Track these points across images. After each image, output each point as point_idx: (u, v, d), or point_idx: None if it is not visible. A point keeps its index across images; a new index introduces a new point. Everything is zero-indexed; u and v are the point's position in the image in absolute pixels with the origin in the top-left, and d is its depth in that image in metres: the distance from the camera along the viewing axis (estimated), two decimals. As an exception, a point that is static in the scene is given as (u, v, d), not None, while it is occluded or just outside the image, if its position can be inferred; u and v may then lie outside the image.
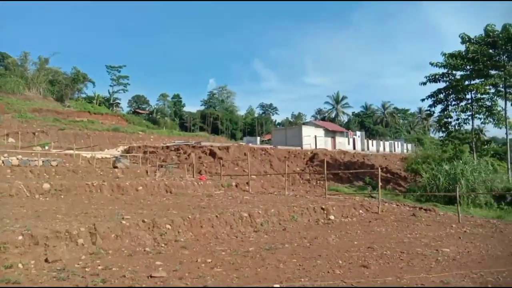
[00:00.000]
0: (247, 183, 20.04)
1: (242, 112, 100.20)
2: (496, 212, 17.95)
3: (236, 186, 19.75)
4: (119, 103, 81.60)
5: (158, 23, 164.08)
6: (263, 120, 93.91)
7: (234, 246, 8.73)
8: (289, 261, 7.37)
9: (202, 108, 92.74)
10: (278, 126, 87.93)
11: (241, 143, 42.01)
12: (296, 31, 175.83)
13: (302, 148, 36.30)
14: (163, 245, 8.53)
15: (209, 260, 7.27)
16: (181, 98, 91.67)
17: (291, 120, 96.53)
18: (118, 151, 32.75)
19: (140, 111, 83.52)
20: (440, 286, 5.99)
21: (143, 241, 8.54)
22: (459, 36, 25.13)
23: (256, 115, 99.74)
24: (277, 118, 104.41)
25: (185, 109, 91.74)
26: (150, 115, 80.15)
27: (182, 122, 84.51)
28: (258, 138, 58.18)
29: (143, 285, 5.70)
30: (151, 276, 6.10)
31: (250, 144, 36.56)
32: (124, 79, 77.82)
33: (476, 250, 8.82)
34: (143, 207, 11.88)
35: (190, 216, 10.02)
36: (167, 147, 32.54)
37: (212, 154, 27.93)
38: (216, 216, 10.52)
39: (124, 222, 8.80)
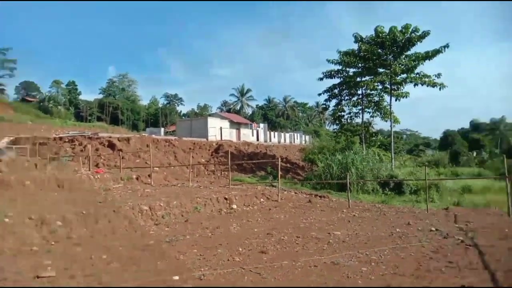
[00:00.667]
0: (149, 175, 19.40)
1: (145, 102, 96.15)
2: (381, 197, 19.89)
3: (137, 179, 18.98)
4: (4, 89, 72.55)
5: (50, 4, 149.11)
6: (168, 111, 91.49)
7: (133, 240, 8.42)
8: (189, 252, 7.37)
9: (101, 96, 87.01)
10: (183, 117, 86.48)
11: (143, 134, 40.45)
12: (202, 21, 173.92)
13: (207, 139, 36.27)
14: (53, 243, 7.87)
15: (105, 256, 6.91)
16: (76, 85, 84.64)
17: (197, 112, 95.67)
18: (3, 143, 29.22)
19: (29, 98, 75.20)
20: (330, 266, 6.51)
21: (30, 240, 7.78)
22: (353, 35, 27.14)
23: (160, 105, 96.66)
24: (183, 109, 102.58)
25: (81, 97, 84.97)
26: (41, 104, 72.70)
27: (78, 112, 78.24)
28: (162, 129, 56.63)
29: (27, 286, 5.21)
30: (38, 277, 5.61)
31: (154, 136, 35.41)
32: (10, 63, 69.23)
33: (363, 232, 9.73)
34: (30, 204, 10.79)
35: (84, 212, 9.39)
36: (60, 138, 29.90)
37: (111, 145, 26.39)
38: (114, 211, 10.03)
39: (7, 220, 7.93)
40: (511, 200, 12.13)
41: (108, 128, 53.11)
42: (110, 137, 28.53)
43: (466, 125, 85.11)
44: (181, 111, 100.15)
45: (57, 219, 8.63)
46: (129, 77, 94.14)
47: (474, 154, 53.12)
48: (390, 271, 6.18)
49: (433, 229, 10.09)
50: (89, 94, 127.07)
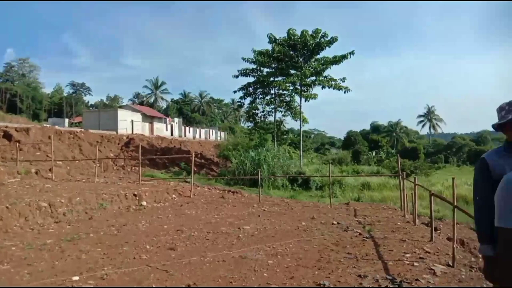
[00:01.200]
0: (50, 169, 17.91)
1: (48, 90, 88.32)
2: (290, 192, 20.83)
3: (37, 173, 17.41)
4: None
5: None
6: (74, 101, 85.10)
7: (29, 239, 7.73)
8: (92, 250, 6.96)
9: (-4, 81, 77.96)
10: (91, 108, 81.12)
11: (45, 125, 37.11)
12: (113, 6, 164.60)
13: (117, 132, 34.50)
14: None
15: (-7, 258, 6.25)
16: (-35, 68, 74.92)
17: (106, 103, 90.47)
18: None
19: None
20: (238, 259, 6.64)
21: None
22: (267, 35, 27.92)
23: (65, 94, 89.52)
24: (90, 99, 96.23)
25: (-29, 81, 75.47)
26: None
27: (-34, 97, 69.29)
28: (67, 120, 52.58)
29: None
30: None
31: (57, 127, 32.67)
32: None
33: (271, 226, 10.07)
34: None
35: (-31, 209, 8.38)
36: None
37: (7, 136, 23.74)
38: (7, 207, 9.08)
39: None
40: (403, 196, 13.45)
41: (5, 117, 47.66)
42: (6, 126, 25.62)
43: (367, 127, 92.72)
44: (88, 102, 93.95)
45: None
46: (30, 62, 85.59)
47: (374, 153, 57.99)
48: (294, 263, 6.50)
49: (335, 222, 10.83)
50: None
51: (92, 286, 5.13)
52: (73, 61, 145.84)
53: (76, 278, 5.38)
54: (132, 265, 6.11)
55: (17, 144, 20.84)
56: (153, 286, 5.20)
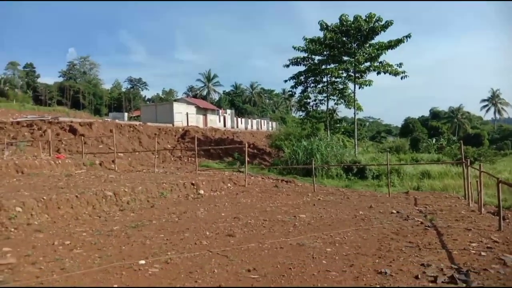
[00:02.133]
0: (113, 161, 18.95)
1: (107, 86, 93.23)
2: (345, 181, 20.46)
3: (101, 164, 18.51)
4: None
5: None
6: (132, 95, 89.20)
7: (97, 226, 8.26)
8: (156, 236, 7.30)
9: (61, 80, 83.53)
10: (148, 102, 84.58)
11: (106, 119, 39.33)
12: (164, 4, 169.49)
13: (173, 125, 35.74)
14: (12, 229, 7.59)
15: (68, 242, 6.75)
16: (34, 67, 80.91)
17: (162, 96, 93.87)
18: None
19: (-18, 81, 71.20)
20: (296, 246, 6.65)
21: (-13, 227, 7.47)
22: (318, 23, 27.37)
23: (123, 89, 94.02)
24: (147, 93, 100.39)
25: (40, 80, 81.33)
26: (-4, 86, 68.98)
27: (37, 95, 74.76)
28: (126, 114, 55.23)
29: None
30: (-5, 264, 5.40)
31: (117, 120, 34.51)
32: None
33: (327, 215, 9.97)
34: (-15, 190, 10.32)
35: (45, 197, 9.08)
36: (18, 122, 28.56)
37: (73, 130, 25.50)
38: (76, 196, 9.76)
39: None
40: (467, 184, 12.75)
41: (69, 113, 51.22)
42: (71, 121, 27.54)
43: (426, 113, 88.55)
44: (145, 96, 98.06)
45: (17, 205, 8.31)
46: (91, 60, 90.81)
47: (433, 140, 55.25)
48: (353, 251, 6.39)
49: (394, 211, 10.50)
50: (48, 77, 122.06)
51: (157, 269, 5.39)
52: (129, 58, 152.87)
53: (142, 262, 5.68)
54: (194, 250, 6.33)
55: (82, 137, 22.26)
56: (215, 271, 5.35)
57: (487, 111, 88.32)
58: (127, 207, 10.51)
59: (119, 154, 20.70)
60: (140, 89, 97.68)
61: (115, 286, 4.78)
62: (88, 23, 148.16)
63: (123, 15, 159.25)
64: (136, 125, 30.36)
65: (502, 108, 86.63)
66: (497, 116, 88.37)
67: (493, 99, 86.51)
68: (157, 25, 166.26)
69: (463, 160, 13.71)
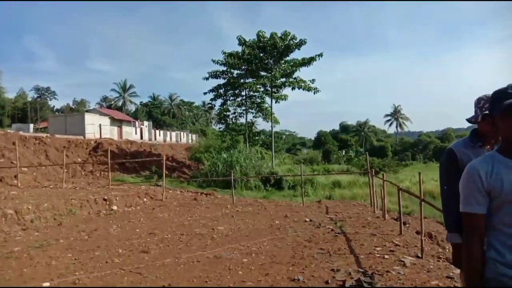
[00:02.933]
0: (15, 176, 17.29)
1: (11, 95, 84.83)
2: (263, 192, 20.94)
3: (1, 180, 16.82)
4: None
5: None
6: (39, 106, 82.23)
7: (-6, 248, 7.46)
8: (63, 256, 6.80)
9: (-47, 87, 74.17)
10: (57, 113, 78.62)
11: (9, 130, 35.70)
12: (76, 10, 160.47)
13: (84, 137, 33.63)
14: None
15: (-44, 269, 6.00)
16: None
17: (73, 107, 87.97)
18: None
19: None
20: (213, 259, 6.65)
21: None
22: (237, 38, 27.90)
23: (29, 99, 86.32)
24: (56, 103, 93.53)
25: None
26: None
27: None
28: (32, 125, 50.67)
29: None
30: None
31: (21, 132, 31.47)
32: None
33: (245, 226, 10.12)
34: None
35: None
36: None
37: (-34, 143, 22.75)
38: (-31, 217, 8.73)
39: None
40: (372, 193, 13.81)
41: (-37, 124, 45.59)
42: (-36, 133, 24.54)
43: (336, 127, 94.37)
44: (54, 106, 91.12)
45: None
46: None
47: (343, 152, 59.08)
48: (268, 260, 6.57)
49: (307, 220, 11.01)
50: None
51: (63, 291, 5.02)
52: (37, 65, 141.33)
53: (46, 284, 5.25)
54: (105, 269, 6.01)
55: (-22, 151, 19.97)
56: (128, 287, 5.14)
57: (390, 125, 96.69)
58: (30, 225, 9.64)
59: (22, 168, 18.92)
60: (48, 98, 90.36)
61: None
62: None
63: (29, 19, 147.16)
64: (42, 137, 27.96)
65: (403, 122, 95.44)
66: (399, 129, 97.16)
67: (395, 114, 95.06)
68: (69, 32, 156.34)
69: (369, 170, 14.85)
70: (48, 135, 30.08)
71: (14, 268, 6.05)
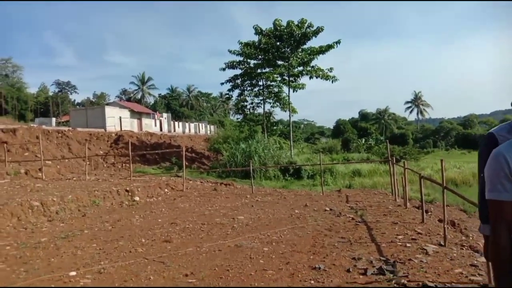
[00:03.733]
0: (40, 169, 17.75)
1: (33, 90, 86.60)
2: (282, 182, 20.96)
3: (26, 173, 17.28)
4: None
5: None
6: (60, 100, 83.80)
7: (23, 238, 7.70)
8: (88, 246, 6.98)
9: (-22, 83, 76.31)
10: (77, 106, 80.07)
11: (32, 125, 36.62)
12: (92, 5, 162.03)
13: (105, 130, 34.22)
14: None
15: (-12, 258, 6.23)
16: None
17: (93, 100, 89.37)
18: None
19: None
20: (234, 248, 6.71)
21: None
22: (253, 27, 27.70)
23: (51, 93, 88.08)
24: (77, 97, 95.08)
25: (-46, 84, 73.66)
26: None
27: (-51, 100, 67.70)
28: (54, 119, 51.83)
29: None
30: None
31: (44, 126, 32.27)
32: None
33: (265, 215, 10.16)
34: None
35: (-40, 211, 8.29)
36: None
37: (-7, 138, 23.44)
38: (-2, 208, 9.02)
39: None
40: (393, 181, 13.64)
41: (-11, 119, 46.87)
42: (-9, 128, 25.29)
43: (356, 115, 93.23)
44: (75, 100, 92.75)
45: None
46: (13, 62, 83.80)
47: (363, 141, 58.38)
48: (289, 249, 6.59)
49: (327, 209, 10.97)
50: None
51: (90, 280, 5.16)
52: (57, 61, 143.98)
53: (73, 273, 5.40)
54: (129, 259, 6.14)
55: (5, 145, 20.57)
56: (151, 278, 5.24)
57: (410, 112, 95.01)
58: (56, 217, 9.91)
59: (46, 161, 19.41)
60: (69, 93, 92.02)
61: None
62: (7, 23, 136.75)
63: (46, 16, 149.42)
64: (65, 130, 28.63)
65: (424, 109, 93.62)
66: (420, 116, 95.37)
67: (416, 101, 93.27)
68: (85, 27, 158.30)
69: (390, 159, 14.66)
70: (70, 128, 30.76)
71: (42, 258, 6.24)
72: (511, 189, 1.81)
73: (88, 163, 20.35)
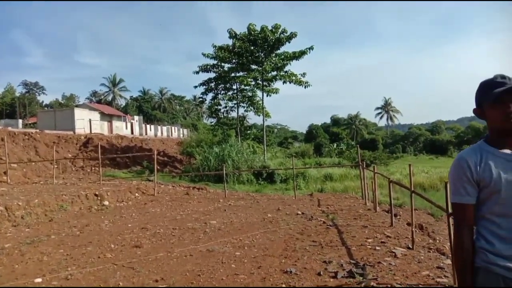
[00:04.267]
0: (4, 172, 17.09)
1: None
2: (255, 186, 20.97)
3: (-11, 177, 16.60)
4: None
5: None
6: (27, 101, 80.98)
7: (-16, 245, 7.39)
8: (54, 252, 6.76)
9: None
10: (46, 108, 77.59)
11: (-4, 126, 35.25)
12: (63, 4, 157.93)
13: (74, 132, 33.30)
14: None
15: None
16: None
17: (62, 102, 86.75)
18: None
19: None
20: (206, 253, 6.67)
21: None
22: (227, 31, 27.70)
23: (17, 94, 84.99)
24: (45, 99, 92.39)
25: None
26: None
27: None
28: (20, 121, 49.92)
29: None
30: None
31: (10, 128, 31.08)
32: None
33: (238, 219, 10.14)
34: None
35: None
36: None
37: (-47, 139, 22.38)
38: (-43, 213, 8.62)
39: None
40: (363, 185, 13.90)
41: (-51, 120, 44.78)
42: (-50, 129, 24.15)
43: (328, 120, 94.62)
44: (43, 101, 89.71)
45: None
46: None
47: (334, 145, 59.25)
48: (261, 253, 6.61)
49: (300, 212, 11.06)
50: None
51: (56, 287, 5.00)
52: (24, 60, 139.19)
53: (38, 280, 5.23)
54: (97, 264, 6.00)
55: (-34, 147, 19.67)
56: (120, 284, 5.13)
57: (380, 117, 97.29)
58: (21, 222, 9.56)
59: (12, 165, 18.71)
60: (36, 94, 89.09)
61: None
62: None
63: (15, 13, 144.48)
64: (32, 132, 27.66)
65: (393, 115, 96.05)
66: (389, 122, 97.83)
67: (386, 107, 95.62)
68: (56, 26, 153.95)
69: (360, 163, 14.94)
70: (38, 130, 29.76)
71: (5, 265, 6.01)
72: (473, 193, 1.90)
73: (56, 166, 19.76)
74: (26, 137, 26.04)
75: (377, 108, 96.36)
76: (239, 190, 19.08)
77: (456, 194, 1.93)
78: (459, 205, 1.93)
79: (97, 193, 12.97)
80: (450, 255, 5.55)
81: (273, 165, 25.86)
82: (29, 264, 6.07)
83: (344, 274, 5.27)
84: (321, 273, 5.37)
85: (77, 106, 57.29)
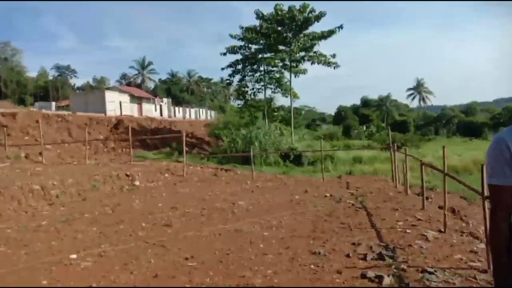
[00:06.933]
0: (40, 153, 17.75)
1: (33, 74, 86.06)
2: (283, 168, 20.94)
3: (26, 157, 17.28)
4: None
5: None
6: (60, 84, 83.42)
7: (23, 222, 7.73)
8: (88, 230, 7.00)
9: (-23, 67, 75.83)
10: (77, 91, 79.69)
11: (32, 109, 36.52)
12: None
13: (105, 114, 34.08)
14: None
15: (-12, 241, 6.24)
16: None
17: (93, 85, 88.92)
18: None
19: None
20: (234, 232, 6.72)
21: None
22: (254, 12, 27.37)
23: (50, 77, 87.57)
24: (77, 81, 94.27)
25: (-49, 67, 73.21)
26: None
27: None
28: (54, 103, 51.58)
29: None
30: None
31: (44, 110, 32.15)
32: None
33: (265, 201, 10.17)
34: None
35: (-40, 194, 8.30)
36: None
37: (-7, 121, 23.36)
38: (-1, 191, 9.03)
39: None
40: (394, 168, 13.61)
41: (-12, 103, 46.67)
42: (-10, 112, 25.19)
43: (357, 102, 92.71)
44: (74, 84, 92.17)
45: None
46: (12, 45, 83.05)
47: (364, 127, 58.32)
48: (289, 234, 6.60)
49: (328, 195, 10.98)
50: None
51: (90, 263, 5.17)
52: (56, 44, 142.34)
53: (74, 256, 5.41)
54: (129, 242, 6.16)
55: (4, 129, 20.51)
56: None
57: (412, 99, 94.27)
58: (56, 201, 9.93)
59: (46, 146, 19.39)
60: (68, 77, 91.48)
61: (44, 283, 4.51)
62: (4, 7, 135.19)
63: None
64: (65, 115, 28.53)
65: (426, 96, 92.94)
66: (422, 103, 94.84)
67: (418, 88, 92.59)
68: (85, 10, 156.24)
69: (391, 145, 14.62)
70: (70, 112, 30.63)
71: (42, 241, 6.26)
72: (511, 175, 1.79)
73: (88, 147, 20.34)
74: (59, 119, 26.87)
75: (409, 89, 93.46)
76: (266, 172, 19.09)
77: (493, 176, 1.83)
78: (496, 187, 1.82)
79: (128, 173, 13.29)
80: (484, 239, 5.37)
81: (301, 147, 25.72)
82: (65, 241, 6.30)
83: (373, 256, 5.20)
84: (350, 255, 5.31)
85: (107, 88, 58.48)
